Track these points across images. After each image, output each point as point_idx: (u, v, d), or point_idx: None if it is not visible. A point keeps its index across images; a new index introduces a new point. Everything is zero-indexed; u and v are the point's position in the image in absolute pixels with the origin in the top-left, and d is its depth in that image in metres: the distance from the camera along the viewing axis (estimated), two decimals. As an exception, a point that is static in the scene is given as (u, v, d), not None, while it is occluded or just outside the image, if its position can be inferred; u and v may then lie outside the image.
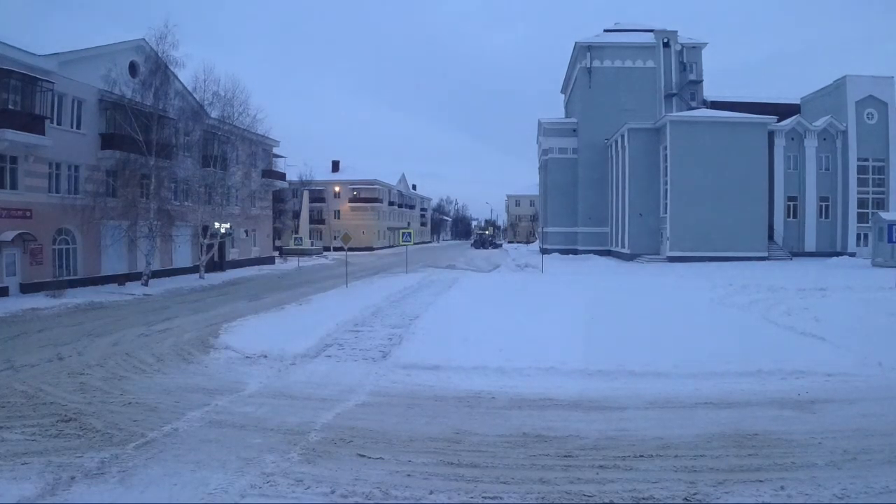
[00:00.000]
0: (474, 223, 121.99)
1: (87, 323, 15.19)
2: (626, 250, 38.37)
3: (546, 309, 15.35)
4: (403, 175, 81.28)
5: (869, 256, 32.11)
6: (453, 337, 11.74)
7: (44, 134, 20.04)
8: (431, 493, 5.23)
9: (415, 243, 55.95)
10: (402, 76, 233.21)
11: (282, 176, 40.95)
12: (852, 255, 35.65)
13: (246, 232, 35.58)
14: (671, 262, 33.46)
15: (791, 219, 38.09)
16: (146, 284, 23.36)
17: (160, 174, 24.54)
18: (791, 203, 38.10)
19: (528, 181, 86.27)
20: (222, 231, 29.06)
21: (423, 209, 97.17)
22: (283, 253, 45.52)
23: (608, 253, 42.52)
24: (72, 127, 22.39)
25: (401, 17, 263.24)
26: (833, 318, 13.81)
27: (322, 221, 64.35)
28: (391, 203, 74.84)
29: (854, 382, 8.72)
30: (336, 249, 51.54)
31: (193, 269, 28.57)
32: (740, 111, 37.18)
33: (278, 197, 46.84)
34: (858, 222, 36.92)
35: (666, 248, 35.36)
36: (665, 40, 43.66)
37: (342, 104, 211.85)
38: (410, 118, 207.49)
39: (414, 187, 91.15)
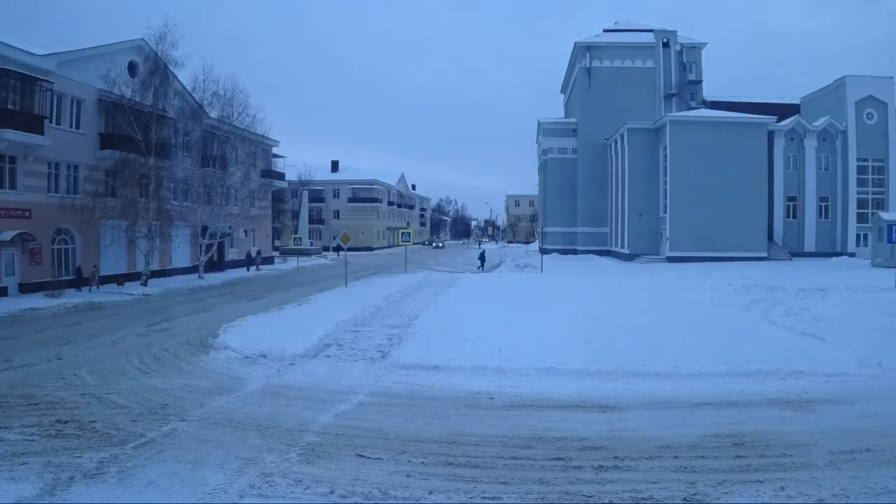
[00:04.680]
0: (474, 223, 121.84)
1: (85, 323, 15.18)
2: (625, 250, 38.37)
3: (545, 309, 15.34)
4: (403, 175, 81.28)
5: (868, 257, 32.11)
6: (452, 337, 11.73)
7: (43, 134, 20.02)
8: (431, 493, 5.23)
9: (414, 243, 55.89)
10: (402, 76, 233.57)
11: (281, 176, 40.91)
12: (852, 255, 35.66)
13: (245, 232, 35.55)
14: (671, 263, 33.44)
15: (791, 219, 38.09)
16: (145, 284, 23.34)
17: (159, 174, 24.52)
18: (791, 203, 38.10)
19: (528, 181, 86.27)
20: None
21: (422, 209, 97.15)
22: (282, 253, 45.46)
23: (608, 253, 42.51)
24: (71, 127, 22.37)
25: (399, 16, 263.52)
26: (833, 318, 13.81)
27: (321, 221, 64.35)
28: (390, 203, 74.86)
29: (854, 382, 8.71)
30: (335, 249, 51.51)
31: (192, 270, 28.54)
32: (740, 111, 37.18)
33: (277, 197, 46.79)
34: (858, 222, 36.93)
35: (665, 249, 35.35)
36: (665, 40, 43.65)
37: (341, 104, 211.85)
38: (410, 118, 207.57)
39: (413, 187, 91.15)
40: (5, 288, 19.37)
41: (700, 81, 44.03)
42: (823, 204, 38.11)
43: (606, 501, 5.06)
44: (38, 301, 18.13)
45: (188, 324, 15.01)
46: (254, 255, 34.78)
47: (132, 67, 24.87)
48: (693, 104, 42.70)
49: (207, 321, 15.25)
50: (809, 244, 37.65)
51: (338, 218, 65.25)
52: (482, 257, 37.03)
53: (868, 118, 37.26)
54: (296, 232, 52.14)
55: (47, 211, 21.00)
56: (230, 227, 31.00)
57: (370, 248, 62.56)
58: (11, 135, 18.79)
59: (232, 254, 34.30)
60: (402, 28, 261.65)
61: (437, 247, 74.66)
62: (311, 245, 52.87)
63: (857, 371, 9.13)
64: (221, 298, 20.89)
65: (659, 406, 7.82)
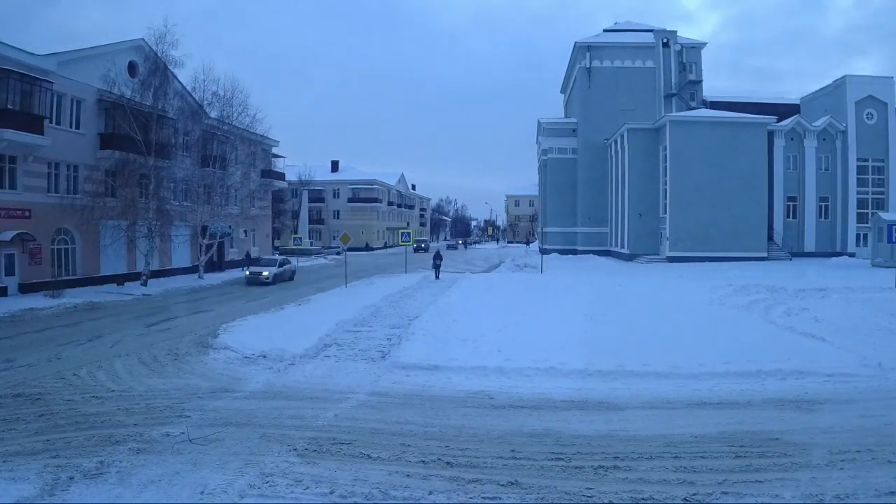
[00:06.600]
0: (473, 223, 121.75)
1: (85, 323, 15.18)
2: (625, 250, 38.37)
3: (545, 309, 15.35)
4: (402, 175, 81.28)
5: (868, 257, 32.11)
6: (452, 337, 11.74)
7: (42, 134, 20.00)
8: (431, 493, 5.23)
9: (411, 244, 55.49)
10: (401, 76, 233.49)
11: (281, 176, 40.91)
12: (852, 255, 35.66)
13: (245, 232, 35.54)
14: (670, 263, 33.44)
15: (791, 219, 38.09)
16: (145, 284, 23.33)
17: (159, 174, 24.52)
18: (791, 203, 38.09)
19: (528, 181, 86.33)
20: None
21: (422, 209, 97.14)
22: (282, 253, 45.39)
23: (607, 253, 42.50)
24: (71, 127, 22.35)
25: (399, 16, 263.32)
26: (833, 318, 13.82)
27: (321, 221, 64.36)
28: (390, 203, 74.86)
29: (854, 383, 8.71)
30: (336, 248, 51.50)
31: (192, 270, 28.53)
32: (740, 111, 37.20)
33: (277, 197, 46.77)
34: (858, 222, 36.93)
35: (665, 249, 35.35)
36: (664, 40, 43.66)
37: (341, 104, 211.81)
38: (410, 118, 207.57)
39: (413, 187, 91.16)
40: (5, 288, 19.36)
41: (700, 81, 44.04)
42: (823, 204, 38.10)
43: (606, 501, 5.06)
44: (38, 301, 18.10)
45: (188, 324, 15.01)
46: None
47: (132, 67, 24.87)
48: (693, 104, 42.71)
49: (207, 321, 15.25)
50: (809, 244, 37.65)
51: (338, 218, 65.26)
52: (436, 258, 27.66)
53: (868, 118, 37.26)
54: (296, 232, 52.13)
55: (47, 211, 20.99)
56: (230, 227, 30.98)
57: (370, 248, 62.53)
58: (11, 135, 18.78)
59: (232, 254, 34.31)
60: (402, 28, 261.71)
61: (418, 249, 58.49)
62: (311, 245, 52.83)
63: (857, 371, 9.13)
64: (221, 298, 20.89)
65: (659, 406, 7.83)
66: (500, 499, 5.12)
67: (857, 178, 37.27)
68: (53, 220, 21.36)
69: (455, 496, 5.17)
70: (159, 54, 23.93)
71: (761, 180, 35.14)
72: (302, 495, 5.17)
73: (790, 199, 38.00)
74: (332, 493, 5.21)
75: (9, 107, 18.93)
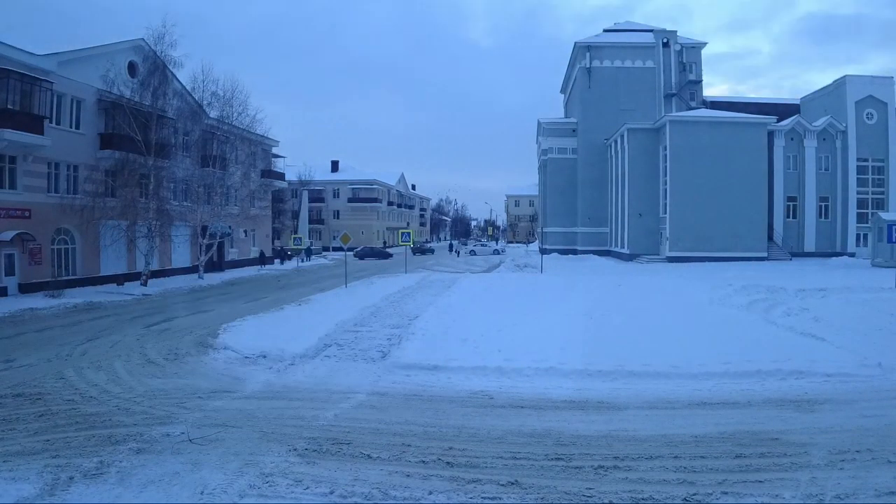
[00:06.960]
0: (473, 223, 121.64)
1: (85, 323, 15.18)
2: (625, 250, 38.37)
3: (545, 309, 15.33)
4: (402, 175, 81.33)
5: (868, 257, 32.11)
6: (452, 337, 11.73)
7: (42, 134, 20.03)
8: (431, 493, 5.22)
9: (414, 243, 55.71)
10: (401, 76, 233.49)
11: (281, 176, 40.92)
12: (852, 255, 35.64)
13: (245, 232, 35.55)
14: (671, 263, 33.44)
15: (791, 219, 38.07)
16: (145, 284, 23.34)
17: (159, 174, 24.54)
18: (791, 203, 38.08)
19: (528, 181, 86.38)
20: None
21: (422, 209, 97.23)
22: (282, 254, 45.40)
23: (607, 253, 42.49)
24: (71, 127, 22.38)
25: (399, 17, 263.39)
26: (833, 318, 13.80)
27: (321, 221, 64.37)
28: (390, 203, 74.90)
29: (854, 383, 8.70)
30: (335, 250, 51.50)
31: (192, 270, 28.55)
32: (740, 111, 37.22)
33: (277, 197, 46.82)
34: (858, 222, 36.91)
35: (665, 249, 35.34)
36: (664, 40, 43.67)
37: (341, 103, 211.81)
38: (410, 118, 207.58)
39: (413, 187, 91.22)
40: (5, 288, 19.37)
41: (700, 81, 44.05)
42: (823, 204, 38.08)
43: (606, 501, 5.06)
44: (38, 301, 18.13)
45: (188, 324, 15.01)
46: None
47: (132, 67, 24.89)
48: (693, 104, 42.71)
49: (207, 321, 15.25)
50: (809, 244, 37.64)
51: (338, 218, 65.30)
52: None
53: (868, 118, 37.24)
54: (296, 232, 52.09)
55: (47, 211, 21.00)
56: (230, 227, 31.00)
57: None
58: (11, 135, 18.79)
59: (232, 254, 34.32)
60: (402, 28, 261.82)
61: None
62: (311, 245, 52.85)
63: (857, 371, 9.12)
64: (221, 298, 20.88)
65: (659, 406, 7.82)
66: (500, 499, 5.11)
67: (857, 178, 37.24)
68: (53, 220, 21.37)
69: (455, 496, 5.17)
70: (159, 54, 23.97)
71: (761, 180, 35.13)
72: (302, 495, 5.17)
73: (790, 199, 37.98)
74: (332, 493, 5.21)
75: (9, 107, 18.96)
